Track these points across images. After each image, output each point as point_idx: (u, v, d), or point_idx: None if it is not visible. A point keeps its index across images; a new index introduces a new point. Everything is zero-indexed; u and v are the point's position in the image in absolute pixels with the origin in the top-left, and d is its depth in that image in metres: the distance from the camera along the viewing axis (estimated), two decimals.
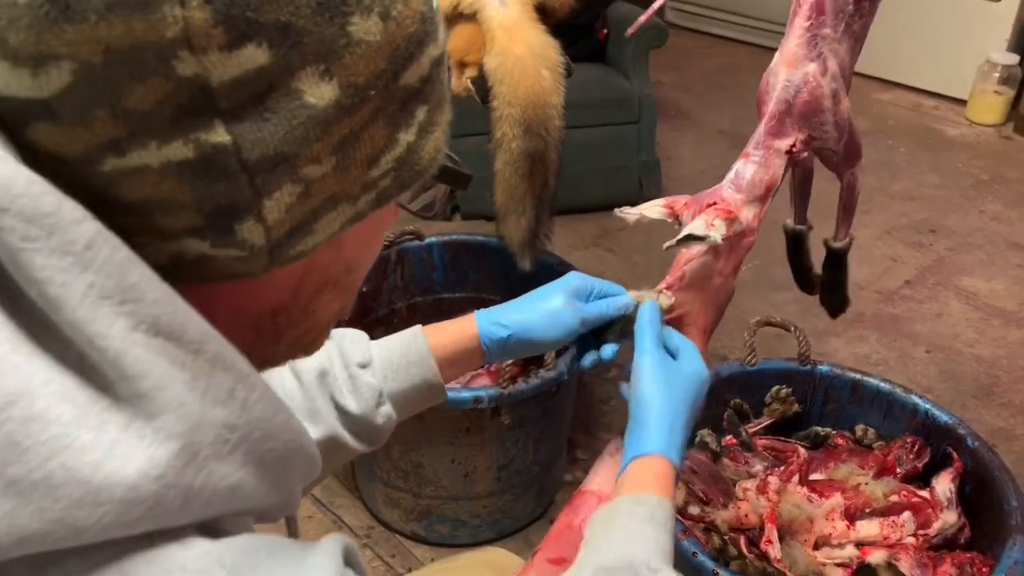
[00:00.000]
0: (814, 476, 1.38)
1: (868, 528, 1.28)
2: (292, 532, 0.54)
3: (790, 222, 1.28)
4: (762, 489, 1.31)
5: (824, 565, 1.25)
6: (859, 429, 1.45)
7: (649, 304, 0.82)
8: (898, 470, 1.35)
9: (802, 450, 1.42)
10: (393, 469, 1.61)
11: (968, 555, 1.23)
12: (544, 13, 1.71)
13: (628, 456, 0.74)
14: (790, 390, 1.47)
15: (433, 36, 0.40)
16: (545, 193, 1.64)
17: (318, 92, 0.35)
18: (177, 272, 0.36)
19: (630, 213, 0.94)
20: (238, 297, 0.41)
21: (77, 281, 0.32)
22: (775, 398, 1.47)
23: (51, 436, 0.31)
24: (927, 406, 1.39)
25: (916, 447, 1.37)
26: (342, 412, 0.75)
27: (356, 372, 0.76)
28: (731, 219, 0.88)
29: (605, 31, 2.78)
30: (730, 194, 0.93)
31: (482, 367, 1.63)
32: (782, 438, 1.46)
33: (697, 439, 1.37)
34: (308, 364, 0.75)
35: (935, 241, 2.75)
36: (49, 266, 0.31)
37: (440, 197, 0.53)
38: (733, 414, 1.43)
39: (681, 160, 3.20)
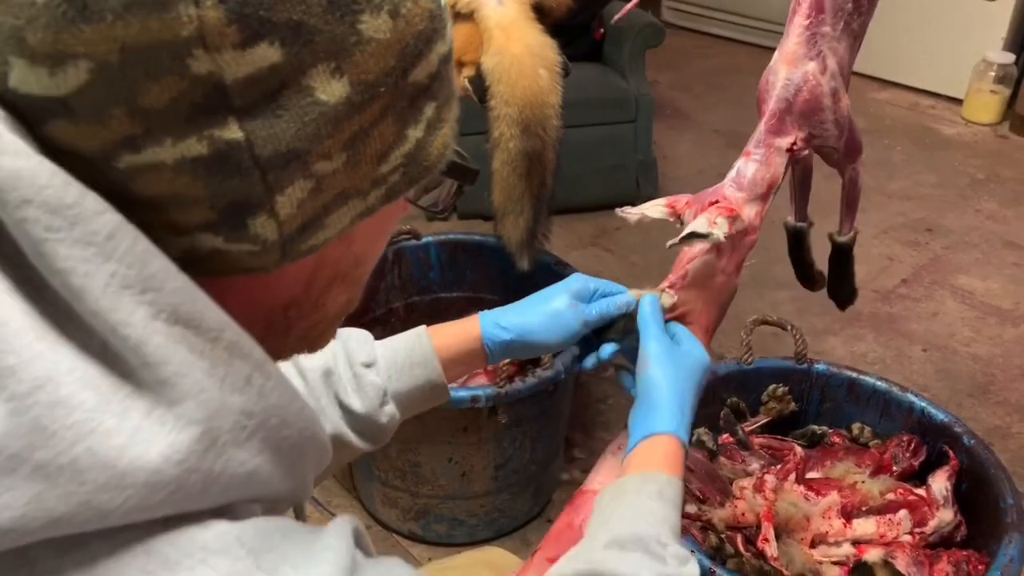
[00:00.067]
0: (811, 474, 1.38)
1: (864, 526, 1.28)
2: (300, 520, 0.54)
3: (791, 219, 1.28)
4: (759, 487, 1.31)
5: (821, 563, 1.26)
6: (855, 427, 1.45)
7: (649, 298, 0.83)
8: (894, 468, 1.36)
9: (799, 448, 1.42)
10: (391, 468, 1.61)
11: (964, 553, 1.23)
12: (541, 12, 1.71)
13: (638, 436, 0.75)
14: (787, 389, 1.47)
15: (441, 33, 0.40)
16: (543, 193, 1.64)
17: (329, 89, 0.36)
18: (191, 266, 0.36)
19: (632, 213, 0.95)
20: (250, 291, 0.42)
21: (99, 271, 0.32)
22: (772, 396, 1.47)
23: (76, 421, 0.32)
24: (923, 404, 1.39)
25: (912, 445, 1.37)
26: (346, 411, 0.76)
27: (361, 371, 0.76)
28: (733, 217, 0.88)
29: (601, 30, 2.79)
30: (732, 192, 0.93)
31: (484, 368, 1.63)
32: (779, 436, 1.46)
33: (694, 438, 1.37)
34: (313, 363, 0.76)
35: (931, 240, 2.76)
36: (72, 256, 0.32)
37: (447, 193, 0.53)
38: (730, 413, 1.43)
39: (678, 159, 3.21)
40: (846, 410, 1.47)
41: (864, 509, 1.30)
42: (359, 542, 0.41)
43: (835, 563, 1.25)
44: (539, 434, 1.62)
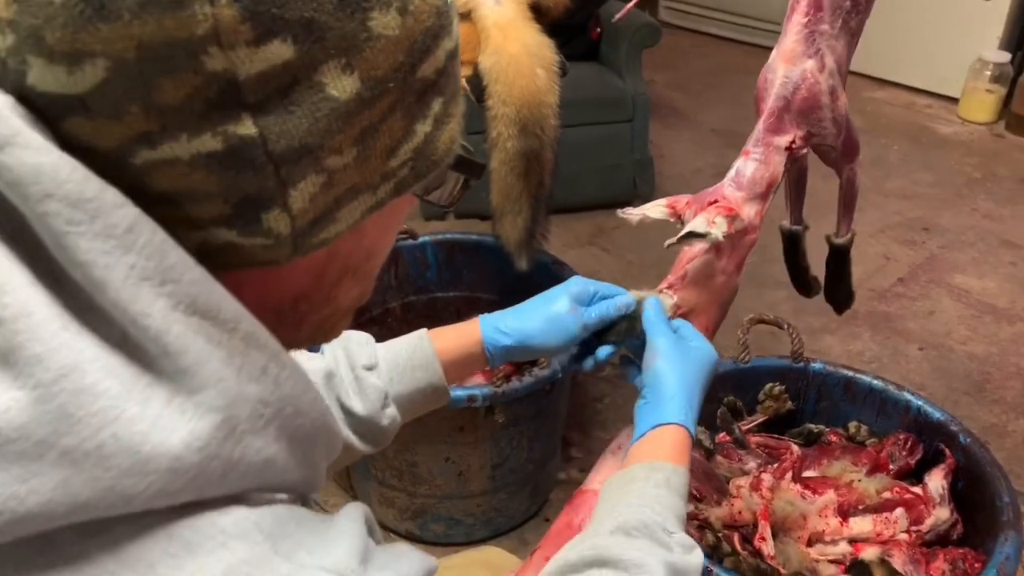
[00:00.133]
0: (807, 473, 1.38)
1: (861, 525, 1.28)
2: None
3: (786, 223, 1.28)
4: (756, 486, 1.31)
5: (817, 562, 1.26)
6: (852, 426, 1.45)
7: (652, 300, 0.84)
8: (891, 467, 1.36)
9: (795, 447, 1.42)
10: (388, 468, 1.61)
11: (960, 551, 1.24)
12: (539, 12, 1.71)
13: (645, 426, 0.75)
14: (783, 387, 1.47)
15: (448, 29, 0.41)
16: (541, 192, 1.64)
17: (340, 85, 0.37)
18: (205, 259, 0.37)
19: (632, 214, 0.95)
20: (263, 284, 0.42)
21: (120, 263, 0.33)
22: (768, 395, 1.47)
23: (101, 408, 0.33)
24: (919, 403, 1.39)
25: (909, 444, 1.37)
26: (348, 413, 0.76)
27: (362, 374, 0.77)
28: (732, 216, 0.88)
29: (598, 30, 2.79)
30: (731, 192, 0.93)
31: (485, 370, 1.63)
32: (775, 435, 1.46)
33: None
34: (314, 365, 0.76)
35: (928, 239, 2.76)
36: (93, 249, 0.33)
37: (453, 188, 0.54)
38: (727, 411, 1.43)
39: (675, 159, 3.21)
40: (843, 409, 1.47)
41: (861, 507, 1.30)
42: (369, 529, 0.42)
43: (832, 561, 1.26)
44: (536, 433, 1.62)
